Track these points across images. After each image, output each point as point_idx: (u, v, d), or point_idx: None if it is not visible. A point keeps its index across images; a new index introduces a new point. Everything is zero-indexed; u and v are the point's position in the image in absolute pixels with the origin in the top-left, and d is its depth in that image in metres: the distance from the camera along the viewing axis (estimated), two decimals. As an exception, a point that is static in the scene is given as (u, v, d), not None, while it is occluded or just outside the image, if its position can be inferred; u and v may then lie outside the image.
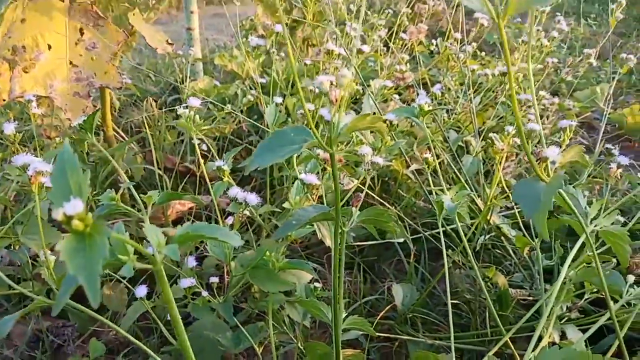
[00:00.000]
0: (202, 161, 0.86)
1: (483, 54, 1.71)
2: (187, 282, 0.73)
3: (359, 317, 0.64)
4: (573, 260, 0.70)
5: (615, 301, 0.69)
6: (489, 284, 0.89)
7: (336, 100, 0.45)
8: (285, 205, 0.66)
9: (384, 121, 0.61)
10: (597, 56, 3.13)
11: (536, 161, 0.51)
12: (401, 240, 1.12)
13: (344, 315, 0.63)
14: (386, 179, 1.42)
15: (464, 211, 0.74)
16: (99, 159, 1.18)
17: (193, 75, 2.11)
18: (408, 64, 1.35)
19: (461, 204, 0.73)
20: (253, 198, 0.63)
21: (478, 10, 0.40)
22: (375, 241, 1.13)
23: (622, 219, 0.77)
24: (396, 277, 1.17)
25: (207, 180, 0.81)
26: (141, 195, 0.62)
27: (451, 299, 1.05)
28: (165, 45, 1.14)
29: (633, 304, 0.71)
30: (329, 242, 0.82)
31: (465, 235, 1.03)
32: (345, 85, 0.45)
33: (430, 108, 0.68)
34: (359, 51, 0.96)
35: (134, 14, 1.10)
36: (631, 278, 0.63)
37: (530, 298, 0.92)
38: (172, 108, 1.66)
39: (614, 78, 2.79)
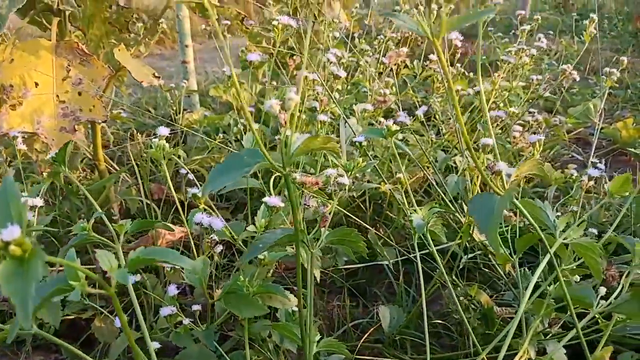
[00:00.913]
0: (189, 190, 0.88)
1: (472, 74, 1.73)
2: (167, 310, 0.73)
3: (334, 340, 0.64)
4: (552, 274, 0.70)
5: (613, 317, 0.68)
6: (474, 302, 0.88)
7: (285, 123, 0.46)
8: (250, 228, 0.67)
9: (338, 142, 0.61)
10: (594, 72, 3.15)
11: (491, 174, 0.51)
12: (393, 261, 1.12)
13: (318, 337, 0.63)
14: (379, 200, 1.43)
15: (438, 229, 0.74)
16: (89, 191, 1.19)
17: (189, 107, 2.15)
18: (394, 87, 1.37)
19: (435, 222, 0.73)
20: (218, 223, 0.63)
21: (414, 31, 0.41)
22: (365, 264, 1.13)
23: (595, 232, 0.76)
24: (388, 299, 1.16)
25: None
26: (113, 225, 0.63)
27: (442, 320, 1.04)
28: (151, 79, 1.16)
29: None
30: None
31: (453, 254, 1.03)
32: (292, 108, 0.46)
33: (398, 128, 0.69)
34: (335, 76, 0.98)
35: (119, 50, 1.13)
36: (602, 290, 0.62)
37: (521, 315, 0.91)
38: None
39: (610, 94, 2.80)
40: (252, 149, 0.48)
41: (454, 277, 0.91)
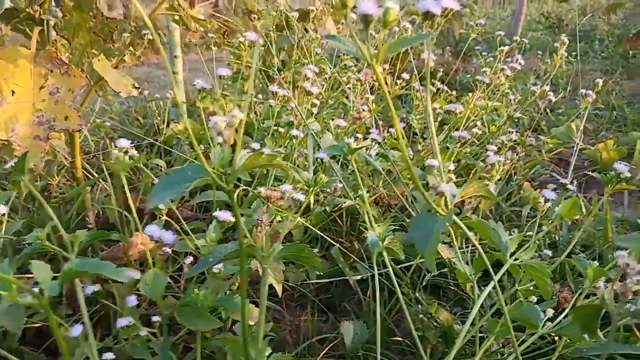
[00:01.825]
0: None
1: (454, 92, 1.74)
2: (124, 321, 0.74)
3: (283, 355, 0.64)
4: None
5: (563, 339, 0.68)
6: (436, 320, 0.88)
7: (228, 139, 0.47)
8: (200, 242, 0.67)
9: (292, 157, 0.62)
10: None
11: (436, 195, 0.52)
12: (364, 277, 1.12)
13: (268, 352, 0.64)
14: (356, 214, 1.44)
15: (397, 247, 0.75)
16: (62, 200, 1.20)
17: (177, 117, 2.16)
18: (373, 104, 1.38)
19: (393, 239, 0.74)
20: (169, 236, 0.64)
21: (353, 54, 0.42)
22: (336, 278, 1.14)
23: (550, 253, 0.77)
24: (357, 314, 1.16)
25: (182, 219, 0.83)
26: (70, 234, 0.64)
27: (408, 337, 1.04)
28: (130, 89, 1.17)
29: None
30: (272, 280, 0.83)
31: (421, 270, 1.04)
32: (236, 125, 0.47)
33: (359, 146, 0.70)
34: (307, 92, 0.99)
35: (98, 60, 1.14)
36: (550, 311, 0.63)
37: (481, 334, 0.91)
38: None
39: (596, 114, 2.82)
40: (197, 165, 0.48)
41: (417, 294, 0.91)
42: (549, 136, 2.00)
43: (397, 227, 1.37)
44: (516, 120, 1.76)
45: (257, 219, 0.61)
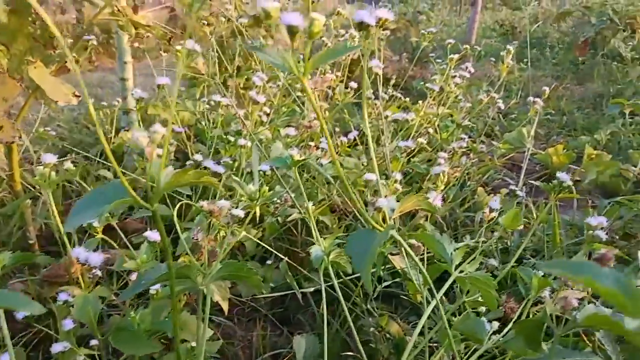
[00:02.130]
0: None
1: (409, 99, 1.75)
2: (59, 346, 0.69)
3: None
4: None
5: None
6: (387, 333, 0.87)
7: (150, 156, 0.44)
8: (128, 265, 0.64)
9: (216, 174, 0.60)
10: (534, 97, 3.25)
11: (373, 210, 0.50)
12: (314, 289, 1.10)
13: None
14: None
15: (343, 260, 0.73)
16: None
17: (128, 125, 2.09)
18: (326, 112, 1.37)
19: (340, 253, 0.72)
20: (95, 258, 0.60)
21: (280, 68, 0.40)
22: (288, 292, 1.11)
23: (495, 263, 0.77)
24: (312, 327, 1.14)
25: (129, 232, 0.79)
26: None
27: (364, 348, 1.03)
28: (70, 98, 1.12)
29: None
30: (217, 297, 0.79)
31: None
32: (157, 140, 0.44)
33: (302, 158, 0.67)
34: (254, 101, 0.97)
35: (35, 67, 1.08)
36: (495, 324, 0.62)
37: (436, 344, 0.90)
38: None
39: (548, 119, 2.89)
40: (117, 183, 0.45)
41: (369, 305, 0.90)
42: (501, 141, 2.04)
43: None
44: (471, 126, 1.78)
45: (193, 238, 0.58)
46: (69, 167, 0.82)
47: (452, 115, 1.94)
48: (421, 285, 0.76)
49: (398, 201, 0.52)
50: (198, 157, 0.93)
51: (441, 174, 0.71)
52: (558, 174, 0.70)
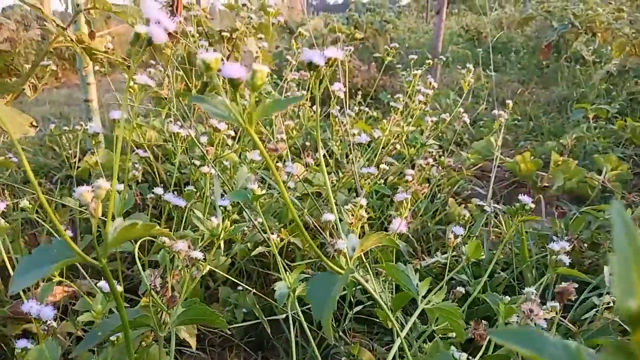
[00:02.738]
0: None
1: (376, 113, 1.75)
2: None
3: None
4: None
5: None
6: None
7: (95, 211, 0.42)
8: (83, 318, 0.61)
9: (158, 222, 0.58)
10: (502, 103, 3.31)
11: (333, 252, 0.49)
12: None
13: None
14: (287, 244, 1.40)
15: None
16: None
17: (93, 148, 2.05)
18: (294, 131, 1.36)
19: (305, 287, 0.71)
20: (48, 312, 0.58)
21: (225, 119, 0.39)
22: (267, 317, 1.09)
23: (463, 290, 0.77)
24: (287, 353, 1.12)
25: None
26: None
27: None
28: (27, 129, 1.08)
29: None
30: (184, 334, 0.77)
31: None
32: (102, 196, 0.42)
33: (263, 192, 0.66)
34: (215, 129, 0.95)
35: (-12, 99, 1.05)
36: (464, 356, 0.61)
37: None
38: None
39: (515, 124, 2.92)
40: (63, 242, 0.43)
41: (344, 327, 0.88)
42: (470, 151, 2.06)
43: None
44: (435, 142, 1.79)
45: (150, 284, 0.56)
46: (25, 206, 0.79)
47: (420, 126, 1.95)
48: (389, 312, 0.75)
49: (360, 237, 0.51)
50: (159, 190, 0.90)
51: (404, 201, 0.70)
52: (520, 197, 0.70)
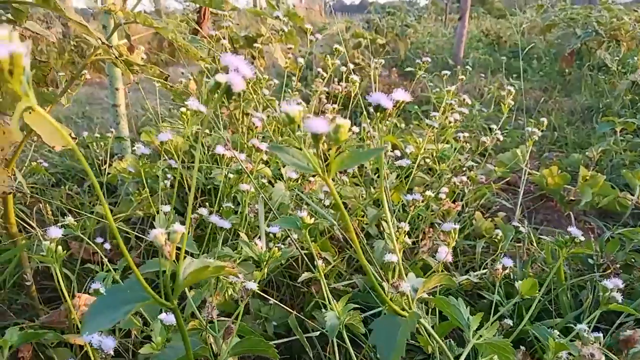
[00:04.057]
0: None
1: (400, 122, 1.75)
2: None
3: None
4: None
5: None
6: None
7: (170, 255, 0.43)
8: (144, 350, 0.62)
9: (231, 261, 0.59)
10: (525, 112, 3.29)
11: (395, 294, 0.49)
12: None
13: None
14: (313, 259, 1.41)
15: (356, 321, 0.72)
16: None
17: (121, 152, 2.07)
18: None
19: (352, 316, 0.71)
20: (109, 343, 0.58)
21: (304, 170, 0.39)
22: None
23: (511, 323, 0.76)
24: (317, 368, 1.13)
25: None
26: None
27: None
28: (67, 141, 1.10)
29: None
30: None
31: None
32: (177, 240, 0.43)
33: (312, 221, 0.67)
34: (257, 148, 0.96)
35: (30, 112, 1.06)
36: (515, 393, 0.61)
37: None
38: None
39: (540, 135, 2.90)
40: (134, 282, 0.44)
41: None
42: (497, 163, 2.04)
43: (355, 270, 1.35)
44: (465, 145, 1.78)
45: (205, 317, 0.56)
46: (69, 222, 0.80)
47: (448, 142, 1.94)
48: (431, 338, 0.75)
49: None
50: (203, 211, 0.91)
51: (452, 231, 0.70)
52: (570, 229, 0.70)
